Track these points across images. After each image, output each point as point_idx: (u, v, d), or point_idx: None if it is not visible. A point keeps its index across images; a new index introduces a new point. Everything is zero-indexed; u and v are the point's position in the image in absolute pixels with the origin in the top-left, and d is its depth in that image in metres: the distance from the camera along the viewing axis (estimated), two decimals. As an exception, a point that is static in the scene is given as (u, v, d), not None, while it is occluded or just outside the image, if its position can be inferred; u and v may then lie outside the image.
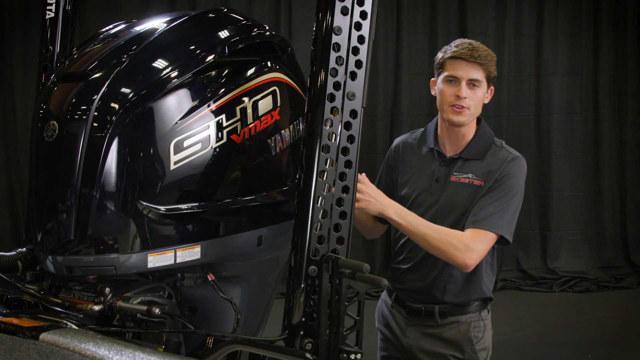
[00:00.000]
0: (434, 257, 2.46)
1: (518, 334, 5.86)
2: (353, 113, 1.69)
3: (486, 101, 2.58)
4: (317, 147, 1.65)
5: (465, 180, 2.53)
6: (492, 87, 2.58)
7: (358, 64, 1.68)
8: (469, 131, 2.59)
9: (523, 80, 7.63)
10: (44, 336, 1.31)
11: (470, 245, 2.38)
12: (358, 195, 2.18)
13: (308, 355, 1.59)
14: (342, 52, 1.67)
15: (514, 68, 7.61)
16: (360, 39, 1.68)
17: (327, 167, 1.66)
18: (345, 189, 1.69)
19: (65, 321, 1.60)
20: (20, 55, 7.04)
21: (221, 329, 2.06)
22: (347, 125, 1.68)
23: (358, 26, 1.68)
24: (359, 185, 2.21)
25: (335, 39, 1.66)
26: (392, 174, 2.75)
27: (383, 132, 7.40)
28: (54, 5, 2.38)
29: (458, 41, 2.54)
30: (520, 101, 7.62)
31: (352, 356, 1.58)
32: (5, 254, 1.98)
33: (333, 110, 1.67)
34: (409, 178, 2.67)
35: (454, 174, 2.56)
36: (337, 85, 1.66)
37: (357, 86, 1.69)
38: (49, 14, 2.39)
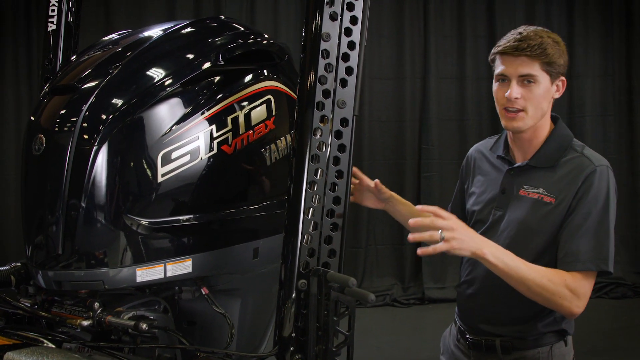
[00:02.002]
0: (494, 280, 2.11)
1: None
2: (344, 121, 1.63)
3: (556, 96, 2.25)
4: (307, 156, 1.60)
5: (535, 196, 2.19)
6: (563, 78, 2.24)
7: (348, 70, 1.63)
8: (538, 134, 2.27)
9: (555, 82, 7.47)
10: (8, 355, 1.29)
11: (577, 292, 2.09)
12: (448, 234, 1.91)
13: None
14: (332, 59, 1.61)
15: (545, 70, 7.46)
16: (351, 45, 1.63)
17: (317, 177, 1.62)
18: (336, 200, 1.64)
19: (42, 339, 1.58)
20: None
21: (220, 343, 2.01)
22: (338, 134, 1.63)
23: (348, 32, 1.62)
24: (448, 222, 1.94)
25: (323, 45, 1.60)
26: (464, 185, 2.50)
27: (411, 138, 7.32)
28: (55, 17, 2.38)
29: (512, 31, 2.21)
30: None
31: (342, 373, 1.54)
32: None
33: (323, 119, 1.62)
34: (476, 189, 2.41)
35: (524, 187, 2.23)
36: (326, 93, 1.61)
37: (348, 93, 1.63)
38: (50, 26, 2.39)
